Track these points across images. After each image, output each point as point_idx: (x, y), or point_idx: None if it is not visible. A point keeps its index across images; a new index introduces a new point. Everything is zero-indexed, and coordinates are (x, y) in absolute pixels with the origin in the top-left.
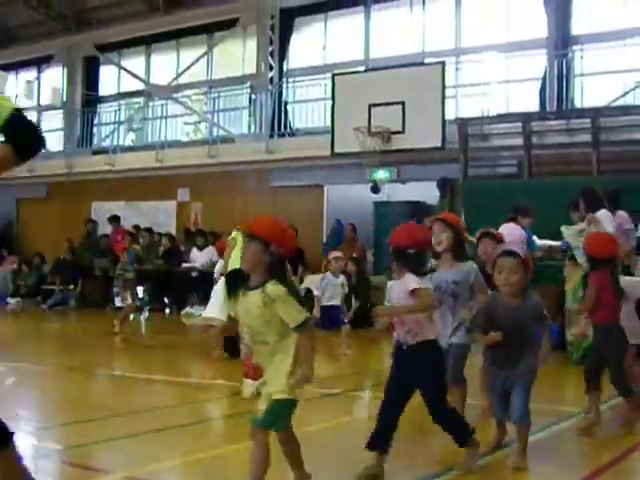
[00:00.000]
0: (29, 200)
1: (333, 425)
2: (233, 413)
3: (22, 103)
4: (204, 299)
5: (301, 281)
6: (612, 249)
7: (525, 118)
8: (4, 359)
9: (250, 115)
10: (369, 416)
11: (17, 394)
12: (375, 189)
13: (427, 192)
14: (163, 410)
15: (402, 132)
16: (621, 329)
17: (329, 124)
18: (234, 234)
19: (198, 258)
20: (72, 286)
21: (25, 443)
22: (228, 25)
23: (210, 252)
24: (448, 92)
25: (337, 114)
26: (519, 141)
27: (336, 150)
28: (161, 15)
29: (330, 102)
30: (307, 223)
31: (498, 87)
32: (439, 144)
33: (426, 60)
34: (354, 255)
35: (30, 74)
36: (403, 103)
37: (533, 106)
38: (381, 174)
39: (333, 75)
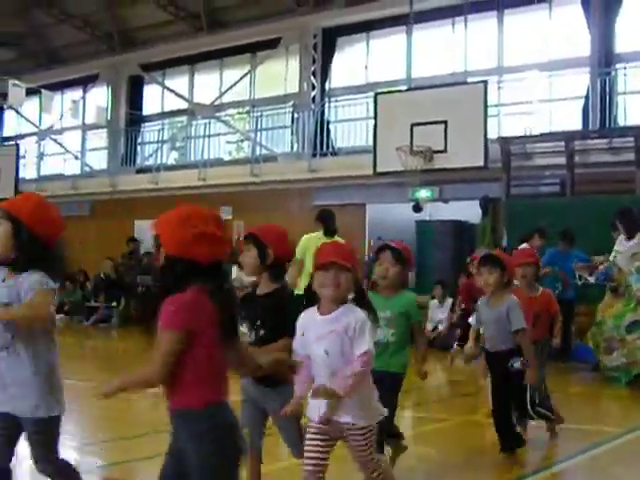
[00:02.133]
0: (73, 218)
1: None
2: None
3: (68, 122)
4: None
5: None
6: None
7: (568, 137)
8: None
9: (292, 134)
10: (413, 435)
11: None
12: (417, 208)
13: (469, 211)
14: None
15: (444, 151)
16: None
17: (371, 143)
18: (298, 256)
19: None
20: (115, 303)
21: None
22: (271, 45)
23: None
24: (490, 111)
25: (379, 133)
26: (562, 160)
27: (378, 169)
28: (204, 35)
29: (372, 121)
30: (349, 242)
31: (541, 106)
32: (481, 163)
33: (468, 79)
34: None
35: (76, 93)
36: (445, 122)
37: (576, 125)
38: (423, 193)
39: (375, 94)
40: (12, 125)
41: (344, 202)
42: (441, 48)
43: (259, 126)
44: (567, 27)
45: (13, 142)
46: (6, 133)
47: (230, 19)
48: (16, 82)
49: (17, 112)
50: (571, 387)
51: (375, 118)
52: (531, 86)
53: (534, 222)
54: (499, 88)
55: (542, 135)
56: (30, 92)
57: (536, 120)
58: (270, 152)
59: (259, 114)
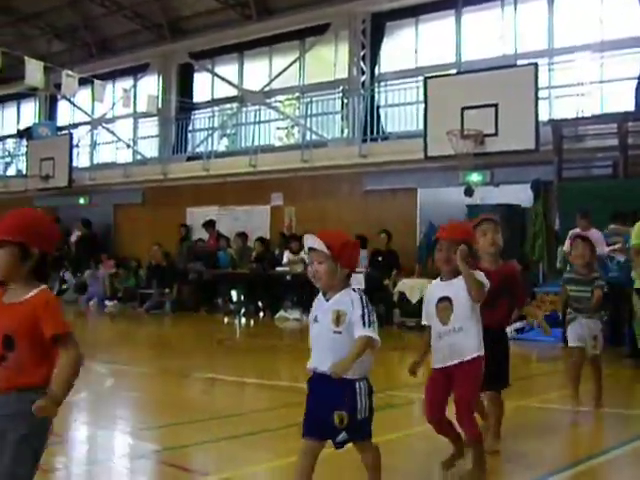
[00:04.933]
0: (125, 205)
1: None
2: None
3: (119, 111)
4: (298, 303)
5: (394, 285)
6: None
7: (620, 118)
8: (103, 361)
9: (343, 119)
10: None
11: (115, 396)
12: (468, 192)
13: (521, 195)
14: (257, 413)
15: (495, 134)
16: None
17: (422, 127)
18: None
19: (292, 262)
20: (167, 290)
21: (123, 443)
22: (320, 30)
23: (306, 256)
24: (541, 93)
25: (429, 117)
26: (614, 142)
27: (429, 153)
28: (253, 22)
29: (422, 105)
30: (400, 227)
31: (592, 87)
32: (533, 146)
33: (519, 61)
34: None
35: (127, 83)
36: (496, 105)
37: (629, 106)
38: (474, 177)
39: (425, 78)
40: (66, 115)
41: (395, 187)
42: (491, 30)
43: (309, 112)
44: (619, 7)
45: (67, 131)
46: (60, 123)
47: (279, 6)
48: (69, 73)
49: (70, 102)
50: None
51: (425, 102)
52: (582, 67)
53: (586, 205)
54: (550, 70)
55: (594, 117)
56: (83, 82)
57: (588, 102)
58: (320, 138)
59: (309, 100)
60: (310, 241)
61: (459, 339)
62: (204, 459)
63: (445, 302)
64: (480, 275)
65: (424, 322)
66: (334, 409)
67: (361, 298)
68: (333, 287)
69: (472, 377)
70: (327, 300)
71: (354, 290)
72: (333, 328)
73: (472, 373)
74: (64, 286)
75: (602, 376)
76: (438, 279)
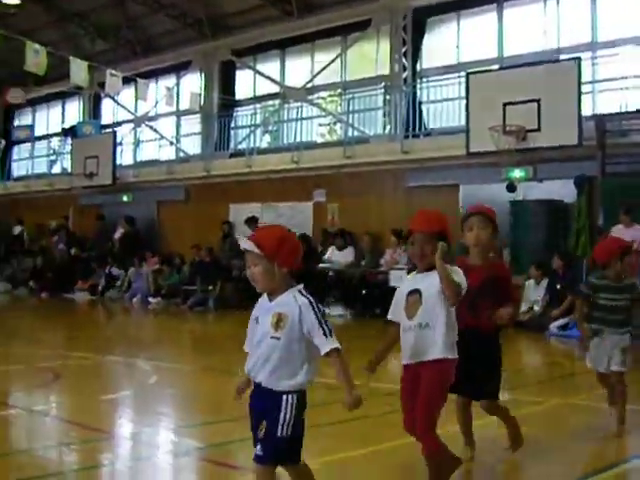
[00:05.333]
0: (169, 202)
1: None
2: (365, 415)
3: (162, 109)
4: (341, 299)
5: None
6: None
7: None
8: (146, 358)
9: (385, 115)
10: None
11: (159, 393)
12: (511, 188)
13: (564, 190)
14: None
15: (538, 130)
16: None
17: (464, 123)
18: None
19: (337, 258)
20: (211, 287)
21: (167, 440)
22: (361, 27)
23: (350, 252)
24: (584, 88)
25: (472, 113)
26: None
27: (471, 149)
28: (295, 19)
29: (464, 101)
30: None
31: (637, 81)
32: (576, 141)
33: (561, 56)
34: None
35: (169, 81)
36: (538, 101)
37: None
38: (517, 173)
39: (467, 74)
40: (109, 113)
41: (437, 183)
42: (533, 25)
43: (351, 108)
44: None
45: (111, 130)
46: (104, 121)
47: (320, 2)
48: (113, 72)
49: (114, 100)
50: None
51: (467, 98)
52: (627, 61)
53: (631, 200)
54: (593, 64)
55: (638, 111)
56: (126, 81)
57: (632, 96)
58: (362, 134)
59: (351, 96)
60: (242, 243)
61: (423, 336)
62: (247, 456)
63: (415, 295)
64: (459, 275)
65: (389, 316)
66: (262, 420)
67: (310, 302)
68: (275, 289)
69: (435, 381)
70: (270, 301)
71: (301, 292)
72: (271, 333)
73: (435, 377)
74: (117, 283)
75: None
76: (414, 273)
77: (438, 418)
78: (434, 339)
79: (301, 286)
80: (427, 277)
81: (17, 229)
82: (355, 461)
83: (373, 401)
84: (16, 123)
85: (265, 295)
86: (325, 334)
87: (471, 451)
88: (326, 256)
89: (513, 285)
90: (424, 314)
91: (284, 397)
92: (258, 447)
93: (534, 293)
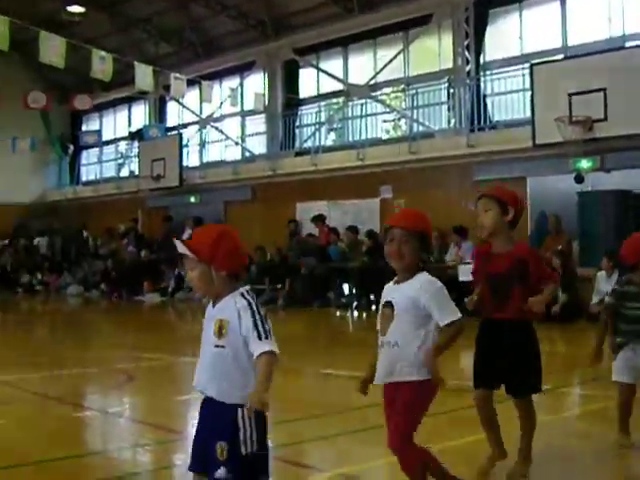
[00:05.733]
0: (235, 202)
1: (548, 420)
2: (442, 411)
3: (227, 110)
4: None
5: None
6: None
7: None
8: None
9: (449, 110)
10: (578, 414)
11: None
12: (579, 179)
13: (633, 180)
14: (371, 408)
15: (605, 119)
16: None
17: (529, 115)
18: None
19: None
20: (280, 285)
21: None
22: (423, 21)
23: None
24: None
25: (537, 104)
26: None
27: (537, 141)
28: (356, 16)
29: (529, 93)
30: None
31: None
32: None
33: (627, 43)
34: (559, 247)
35: (233, 81)
36: (604, 90)
37: None
38: (584, 163)
39: (531, 65)
40: (175, 115)
41: (504, 176)
42: (597, 12)
43: (415, 103)
44: None
45: (176, 132)
46: (170, 123)
47: None
48: (177, 75)
49: (179, 103)
50: None
51: (532, 89)
52: None
53: None
54: None
55: None
56: (190, 83)
57: None
58: (427, 129)
59: (414, 92)
60: (177, 247)
61: (393, 356)
62: (320, 455)
63: (387, 308)
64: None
65: (377, 327)
66: (217, 439)
67: (249, 304)
68: (218, 294)
69: (407, 405)
70: (214, 307)
71: (243, 294)
72: (215, 341)
73: (409, 400)
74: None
75: None
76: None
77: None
78: (405, 360)
79: (245, 288)
80: (401, 287)
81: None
82: None
83: (447, 398)
84: (84, 128)
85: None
86: (259, 336)
87: (497, 458)
88: None
89: (544, 265)
90: (395, 331)
91: (239, 411)
92: (221, 471)
93: (606, 285)
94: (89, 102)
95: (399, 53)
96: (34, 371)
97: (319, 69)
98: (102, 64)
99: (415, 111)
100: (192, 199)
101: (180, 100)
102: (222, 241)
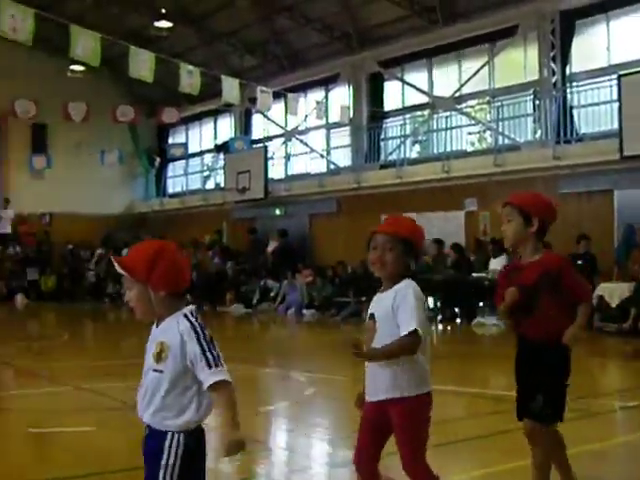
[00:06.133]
0: (320, 215)
1: (635, 439)
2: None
3: (312, 122)
4: (495, 308)
5: (593, 289)
6: None
7: None
8: (302, 370)
9: (535, 122)
10: None
11: (315, 404)
12: None
13: None
14: (456, 422)
15: None
16: None
17: (617, 127)
18: None
19: (491, 267)
20: (364, 298)
21: (322, 451)
22: (508, 33)
23: (503, 261)
24: None
25: (625, 116)
26: None
27: (625, 153)
28: (441, 28)
29: (617, 104)
30: (596, 229)
31: None
32: None
33: None
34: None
35: (318, 94)
36: None
37: None
38: None
39: (619, 76)
40: (260, 128)
41: (590, 189)
42: None
43: (500, 116)
44: None
45: (261, 144)
46: (255, 136)
47: (465, 10)
48: (263, 88)
49: (264, 115)
50: None
51: (619, 100)
52: None
53: None
54: None
55: None
56: (275, 95)
57: None
58: (513, 141)
59: (499, 104)
60: (115, 265)
61: (377, 372)
62: (399, 469)
63: (370, 321)
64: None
65: None
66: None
67: (194, 327)
68: (160, 315)
69: (404, 428)
70: (157, 328)
71: (186, 316)
72: (154, 365)
73: (404, 423)
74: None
75: None
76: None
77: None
78: (389, 375)
79: (190, 308)
80: (382, 297)
81: None
82: (512, 473)
83: None
84: (170, 141)
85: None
86: (209, 364)
87: None
88: (491, 267)
89: (578, 277)
90: (377, 344)
91: (168, 436)
92: None
93: None
94: (176, 115)
95: (484, 65)
96: (121, 380)
97: (404, 81)
98: (190, 78)
99: (500, 123)
100: (277, 211)
101: (265, 113)
102: (159, 259)
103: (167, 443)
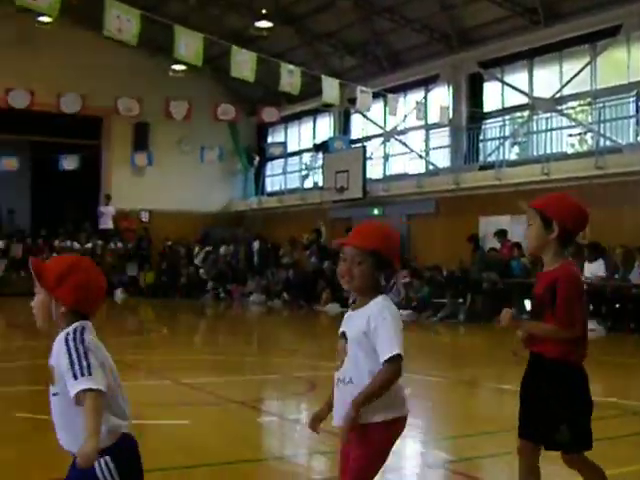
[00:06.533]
0: (419, 216)
1: None
2: (622, 434)
3: (411, 123)
4: (594, 313)
5: None
6: None
7: None
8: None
9: (638, 123)
10: None
11: (411, 404)
12: None
13: None
14: None
15: None
16: None
17: None
18: None
19: (588, 271)
20: (461, 300)
21: (417, 452)
22: (611, 32)
23: (600, 265)
24: None
25: None
26: None
27: None
28: (542, 28)
29: None
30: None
31: None
32: None
33: None
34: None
35: (417, 94)
36: None
37: None
38: None
39: None
40: (359, 128)
41: None
42: None
43: (602, 117)
44: None
45: (360, 144)
46: (353, 136)
47: (568, 10)
48: (363, 89)
49: (363, 115)
50: None
51: None
52: None
53: None
54: None
55: None
56: (374, 95)
57: None
58: (614, 143)
59: (601, 105)
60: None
61: (348, 395)
62: (499, 471)
63: (342, 340)
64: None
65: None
66: None
67: (67, 339)
68: (58, 327)
69: (361, 455)
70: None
71: (67, 333)
72: (51, 388)
73: (365, 443)
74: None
75: None
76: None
77: None
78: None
79: (74, 326)
80: (354, 314)
81: (255, 245)
82: None
83: (628, 420)
84: (269, 140)
85: None
86: (75, 375)
87: None
88: (585, 272)
89: (570, 300)
90: (348, 366)
91: (96, 465)
92: None
93: None
94: (276, 115)
95: (586, 65)
96: (218, 375)
97: (504, 82)
98: (290, 77)
99: (602, 125)
100: (375, 211)
101: (364, 113)
102: (71, 274)
103: (99, 474)
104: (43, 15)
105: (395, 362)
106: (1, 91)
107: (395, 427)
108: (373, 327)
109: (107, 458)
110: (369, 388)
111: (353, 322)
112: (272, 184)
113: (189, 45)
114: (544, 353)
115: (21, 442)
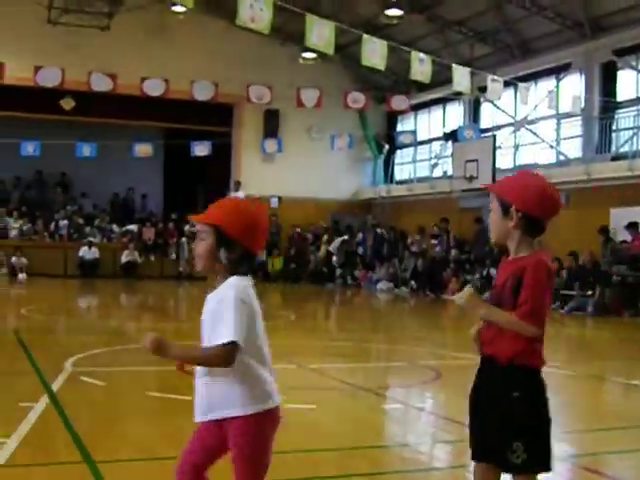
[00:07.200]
0: None
1: None
2: None
3: (541, 112)
4: None
5: None
6: None
7: None
8: None
9: None
10: None
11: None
12: None
13: None
14: None
15: None
16: None
17: None
18: None
19: None
20: (590, 292)
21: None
22: None
23: None
24: None
25: None
26: None
27: None
28: None
29: None
30: None
31: None
32: None
33: None
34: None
35: (549, 83)
36: None
37: None
38: None
39: None
40: (488, 117)
41: None
42: None
43: None
44: None
45: (490, 133)
46: (483, 124)
47: None
48: (494, 77)
49: (493, 104)
50: None
51: None
52: None
53: None
54: None
55: None
56: (505, 84)
57: None
58: None
59: None
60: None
61: (203, 385)
62: (625, 468)
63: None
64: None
65: None
66: None
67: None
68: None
69: (243, 456)
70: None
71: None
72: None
73: (237, 439)
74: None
75: None
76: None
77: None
78: (216, 389)
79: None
80: (209, 300)
81: (384, 232)
82: None
83: None
84: (399, 128)
85: None
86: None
87: None
88: None
89: (539, 291)
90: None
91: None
92: None
93: None
94: (406, 103)
95: None
96: (343, 361)
97: (639, 71)
98: (421, 66)
99: None
100: None
101: (495, 102)
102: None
103: None
104: (177, 5)
105: (225, 348)
106: (137, 80)
107: (270, 416)
108: (217, 309)
109: None
110: (195, 352)
111: (207, 305)
112: (401, 172)
113: (320, 33)
114: (498, 355)
115: (150, 419)
